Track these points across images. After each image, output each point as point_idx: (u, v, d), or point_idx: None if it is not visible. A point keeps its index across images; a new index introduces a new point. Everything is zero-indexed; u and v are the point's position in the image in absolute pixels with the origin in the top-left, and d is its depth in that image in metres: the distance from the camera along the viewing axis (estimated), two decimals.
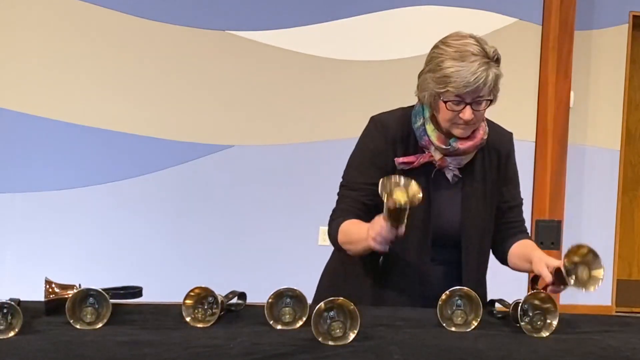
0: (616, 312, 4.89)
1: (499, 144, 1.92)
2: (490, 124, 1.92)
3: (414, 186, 1.60)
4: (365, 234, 1.66)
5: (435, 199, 1.83)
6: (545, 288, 1.73)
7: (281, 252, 4.63)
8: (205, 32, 4.59)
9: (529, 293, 1.65)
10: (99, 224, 4.54)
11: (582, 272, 1.68)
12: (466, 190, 1.86)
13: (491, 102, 1.78)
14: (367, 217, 1.74)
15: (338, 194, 1.90)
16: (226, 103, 4.65)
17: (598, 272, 1.67)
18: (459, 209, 1.85)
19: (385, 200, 1.57)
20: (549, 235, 4.76)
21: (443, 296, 1.61)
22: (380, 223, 1.61)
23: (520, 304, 1.61)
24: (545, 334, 1.59)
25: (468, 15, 4.73)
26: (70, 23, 4.47)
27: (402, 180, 1.60)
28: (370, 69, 4.69)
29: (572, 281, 1.66)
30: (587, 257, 1.68)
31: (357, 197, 1.83)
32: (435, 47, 1.78)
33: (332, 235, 1.85)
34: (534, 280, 1.81)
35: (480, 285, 1.90)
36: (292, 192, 4.69)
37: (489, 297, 1.97)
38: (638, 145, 5.26)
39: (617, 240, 5.02)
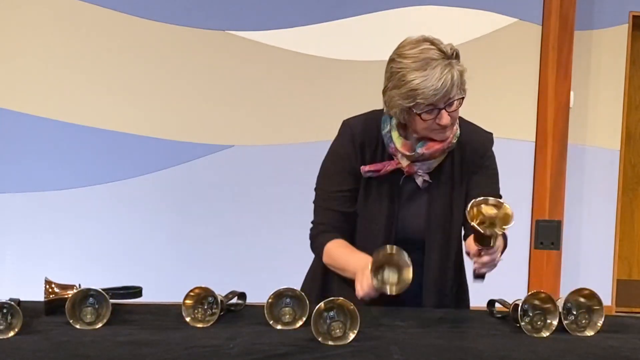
0: (616, 312, 4.89)
1: (475, 144, 1.87)
2: (468, 124, 1.89)
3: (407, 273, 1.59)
4: (351, 266, 1.73)
5: (403, 207, 1.82)
6: (479, 275, 1.68)
7: (281, 252, 4.63)
8: (205, 32, 4.59)
9: (529, 294, 1.64)
10: (99, 224, 4.54)
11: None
12: (433, 194, 1.83)
13: (462, 98, 1.73)
14: (347, 225, 1.83)
15: (314, 201, 1.92)
16: (226, 103, 4.65)
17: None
18: (424, 214, 1.83)
19: None
20: (549, 235, 4.76)
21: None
22: (367, 281, 1.63)
23: (520, 305, 1.61)
24: (545, 333, 1.59)
25: (468, 15, 4.72)
26: (70, 23, 4.47)
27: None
28: (371, 69, 4.69)
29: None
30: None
31: (334, 207, 1.85)
32: (392, 61, 1.73)
33: (316, 251, 1.90)
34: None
35: (443, 286, 1.87)
36: (292, 192, 4.69)
37: (486, 298, 1.97)
38: (638, 145, 5.25)
39: (617, 240, 5.02)
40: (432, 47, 1.69)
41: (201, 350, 1.40)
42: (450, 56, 1.69)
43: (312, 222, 1.93)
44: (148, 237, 4.58)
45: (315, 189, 1.91)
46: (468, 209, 1.57)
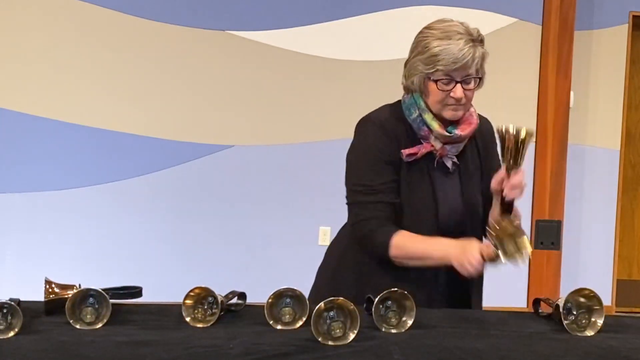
0: (616, 312, 4.89)
1: (484, 129, 1.94)
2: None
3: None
4: (438, 252, 1.74)
5: (439, 188, 1.84)
6: (509, 204, 1.73)
7: (281, 252, 4.63)
8: (205, 32, 4.59)
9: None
10: (99, 224, 4.54)
11: (507, 245, 1.65)
12: (463, 176, 1.88)
13: (480, 81, 1.79)
14: (395, 216, 1.80)
15: (354, 201, 1.85)
16: (226, 103, 4.65)
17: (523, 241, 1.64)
18: (459, 197, 1.87)
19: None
20: (549, 235, 4.75)
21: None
22: (476, 258, 1.67)
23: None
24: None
25: (468, 15, 4.72)
26: (70, 23, 4.47)
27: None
28: (371, 69, 4.69)
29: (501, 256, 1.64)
30: (508, 229, 1.65)
31: (384, 199, 1.80)
32: (420, 32, 1.83)
33: (377, 248, 1.81)
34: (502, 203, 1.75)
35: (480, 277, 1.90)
36: (292, 192, 4.69)
37: (486, 296, 1.98)
38: (638, 145, 5.25)
39: (617, 240, 5.02)
40: (460, 24, 1.80)
41: (201, 350, 1.39)
42: (476, 38, 1.78)
43: (357, 221, 1.84)
44: (148, 237, 4.58)
45: (353, 186, 1.85)
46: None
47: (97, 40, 4.50)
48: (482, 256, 1.68)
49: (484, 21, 4.72)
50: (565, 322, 1.59)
